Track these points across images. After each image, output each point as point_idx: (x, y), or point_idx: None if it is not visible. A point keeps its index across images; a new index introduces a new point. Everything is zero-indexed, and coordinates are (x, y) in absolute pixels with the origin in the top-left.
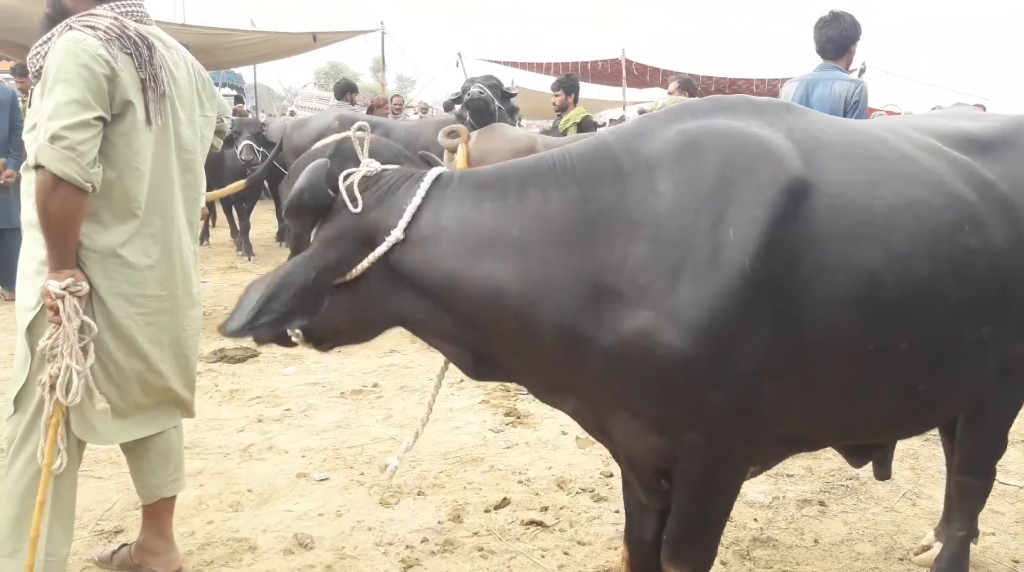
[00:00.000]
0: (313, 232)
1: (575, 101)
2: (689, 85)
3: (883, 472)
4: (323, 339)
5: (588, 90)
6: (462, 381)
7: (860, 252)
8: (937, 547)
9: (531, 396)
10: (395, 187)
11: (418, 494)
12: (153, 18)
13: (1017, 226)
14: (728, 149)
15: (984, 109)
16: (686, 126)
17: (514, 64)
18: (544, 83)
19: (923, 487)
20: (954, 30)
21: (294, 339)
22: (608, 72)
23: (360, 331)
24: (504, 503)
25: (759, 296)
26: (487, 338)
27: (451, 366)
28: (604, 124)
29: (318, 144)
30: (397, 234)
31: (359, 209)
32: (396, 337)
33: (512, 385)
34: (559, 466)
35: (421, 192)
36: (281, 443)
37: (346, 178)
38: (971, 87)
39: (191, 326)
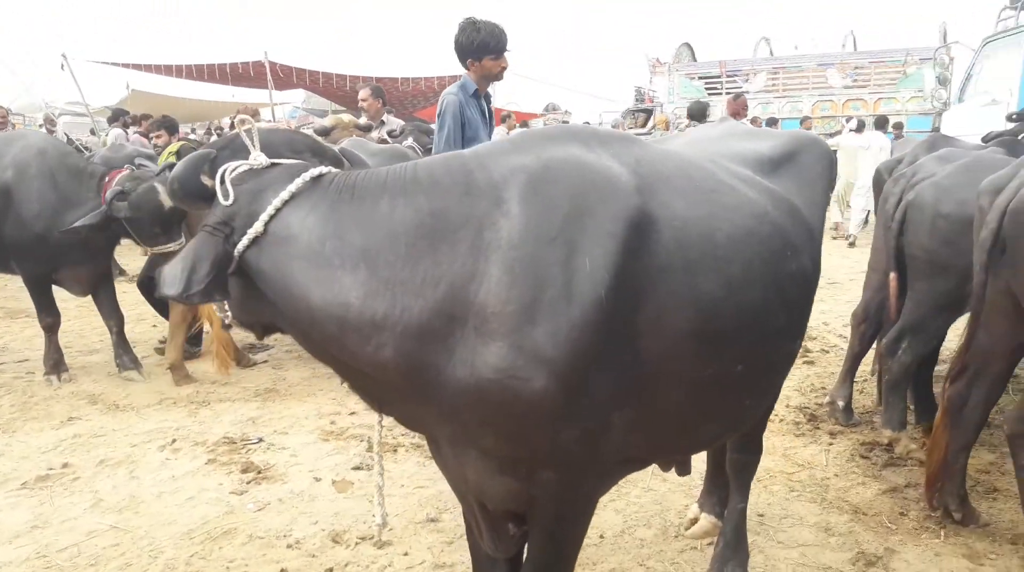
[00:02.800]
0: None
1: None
2: (380, 93)
3: (685, 470)
4: (245, 324)
5: (231, 93)
6: (175, 442)
7: (704, 283)
8: (704, 519)
9: (263, 444)
10: (275, 182)
11: None
12: None
13: (815, 243)
14: (583, 179)
15: (571, 115)
16: (541, 152)
17: (136, 66)
18: (175, 86)
19: None
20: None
21: (226, 321)
22: (251, 75)
23: (272, 324)
24: None
25: (612, 329)
26: (333, 361)
27: (157, 424)
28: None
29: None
30: (257, 229)
31: (230, 202)
32: (71, 401)
33: (237, 436)
34: (325, 518)
35: (289, 190)
36: None
37: (226, 171)
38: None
39: None
